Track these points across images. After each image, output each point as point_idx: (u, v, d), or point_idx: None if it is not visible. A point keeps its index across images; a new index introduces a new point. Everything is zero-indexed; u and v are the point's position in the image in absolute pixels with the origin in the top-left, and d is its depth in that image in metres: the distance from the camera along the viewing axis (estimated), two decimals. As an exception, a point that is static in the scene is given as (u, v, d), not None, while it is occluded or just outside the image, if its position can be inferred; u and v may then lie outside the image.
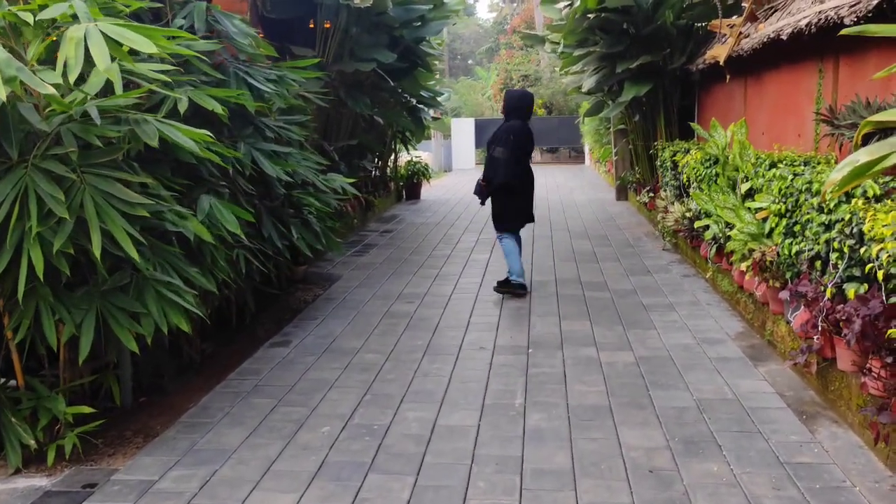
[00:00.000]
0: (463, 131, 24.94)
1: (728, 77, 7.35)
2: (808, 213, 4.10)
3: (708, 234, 6.08)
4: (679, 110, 10.12)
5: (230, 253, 4.75)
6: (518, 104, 6.62)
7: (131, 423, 3.94)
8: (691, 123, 6.49)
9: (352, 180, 6.80)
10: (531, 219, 6.77)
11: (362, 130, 9.79)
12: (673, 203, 8.04)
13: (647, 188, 10.52)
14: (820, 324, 3.80)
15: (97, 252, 2.91)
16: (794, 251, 4.32)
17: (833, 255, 3.77)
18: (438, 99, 13.89)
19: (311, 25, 8.32)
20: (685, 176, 7.36)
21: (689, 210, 7.39)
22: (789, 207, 4.41)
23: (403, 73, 9.10)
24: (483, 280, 7.19)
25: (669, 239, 8.24)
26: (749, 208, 5.06)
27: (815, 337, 3.83)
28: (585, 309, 6.04)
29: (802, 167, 4.75)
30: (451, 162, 24.82)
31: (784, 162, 5.14)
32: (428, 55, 10.21)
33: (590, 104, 12.85)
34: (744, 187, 5.36)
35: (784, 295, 4.02)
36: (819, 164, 4.99)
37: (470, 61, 50.10)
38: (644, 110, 10.79)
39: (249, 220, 4.46)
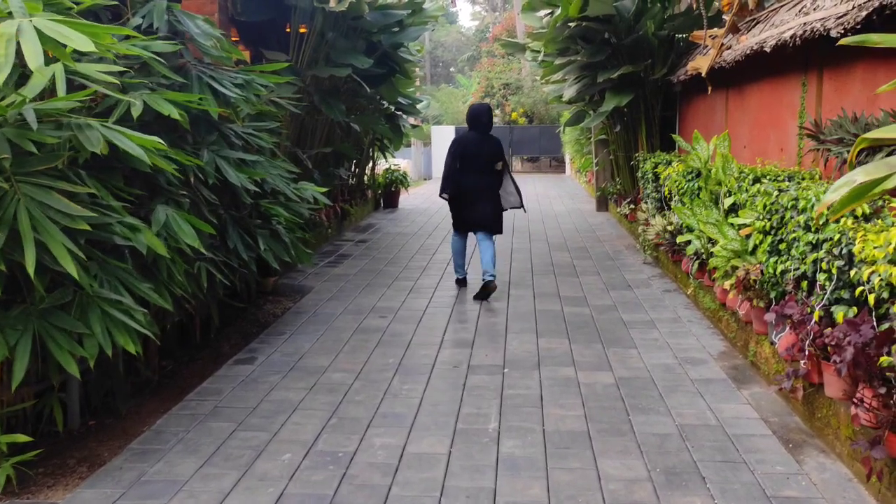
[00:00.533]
0: (443, 139, 24.75)
1: (710, 89, 7.22)
2: (794, 232, 3.94)
3: (690, 250, 5.93)
4: (660, 121, 10.01)
5: (190, 267, 4.50)
6: (468, 117, 7.16)
7: (77, 450, 3.67)
8: (673, 135, 6.36)
9: (324, 190, 6.58)
10: (478, 225, 7.03)
11: (338, 138, 9.56)
12: (654, 216, 7.90)
13: (628, 200, 10.39)
14: (807, 348, 3.63)
15: (30, 268, 2.67)
16: (779, 270, 4.16)
17: (821, 276, 3.61)
18: (417, 106, 13.72)
19: (288, 30, 8.10)
20: (667, 189, 7.22)
21: (671, 223, 7.24)
22: (774, 225, 4.25)
23: (381, 79, 8.90)
24: (459, 293, 6.98)
25: (650, 252, 8.09)
26: (732, 224, 4.90)
27: (802, 361, 3.66)
28: (564, 326, 5.85)
29: (787, 182, 4.60)
30: (431, 170, 24.63)
31: (768, 177, 4.99)
32: (406, 62, 10.01)
33: (570, 114, 12.72)
34: (727, 202, 5.21)
35: (770, 317, 3.85)
36: (804, 179, 4.84)
37: (452, 69, 50.06)
38: (625, 121, 10.67)
39: (210, 232, 4.21)
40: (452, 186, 6.98)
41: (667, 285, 7.17)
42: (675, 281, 7.25)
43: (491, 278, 6.67)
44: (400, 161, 22.69)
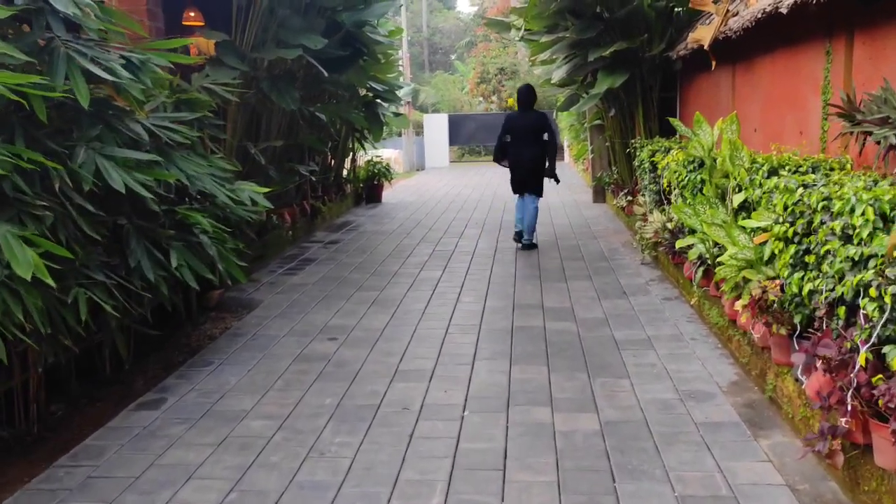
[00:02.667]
0: (436, 127, 23.80)
1: (714, 63, 6.25)
2: (826, 242, 3.00)
3: (692, 254, 4.99)
4: (659, 103, 9.04)
5: (64, 295, 3.60)
6: (518, 97, 8.52)
7: None
8: (671, 119, 5.41)
9: (265, 190, 5.65)
10: (524, 189, 8.42)
11: (300, 129, 8.62)
12: (652, 211, 6.95)
13: (626, 191, 9.44)
14: (849, 400, 2.70)
15: None
16: (805, 290, 3.22)
17: (867, 305, 2.67)
18: (399, 93, 12.77)
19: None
20: (665, 180, 6.27)
21: (671, 220, 6.30)
22: (799, 231, 3.31)
23: (344, 62, 7.95)
24: (428, 305, 6.06)
25: (649, 251, 7.15)
26: (744, 227, 3.96)
27: (843, 419, 2.73)
28: (544, 348, 4.93)
29: (812, 175, 3.65)
30: (424, 160, 23.66)
31: (787, 168, 4.04)
32: (376, 43, 9.04)
33: (564, 97, 11.75)
34: (736, 199, 4.26)
35: (798, 358, 2.90)
36: (833, 170, 3.89)
37: (453, 56, 48.97)
38: (621, 104, 9.70)
39: (66, 256, 3.29)
40: (505, 157, 8.46)
41: (667, 291, 6.23)
42: (676, 286, 6.31)
43: (527, 241, 8.34)
44: (390, 151, 21.77)
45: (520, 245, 8.44)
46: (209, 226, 4.84)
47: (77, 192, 3.61)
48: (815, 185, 3.41)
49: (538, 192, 8.42)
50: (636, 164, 8.21)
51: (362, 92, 11.64)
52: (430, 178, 19.30)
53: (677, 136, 8.32)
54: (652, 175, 7.09)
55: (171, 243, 4.50)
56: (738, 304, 3.73)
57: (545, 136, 8.30)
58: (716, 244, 4.58)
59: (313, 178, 8.40)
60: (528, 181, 8.34)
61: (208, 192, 5.08)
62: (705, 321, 5.24)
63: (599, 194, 12.16)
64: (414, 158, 23.14)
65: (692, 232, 4.91)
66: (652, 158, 6.98)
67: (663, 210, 6.65)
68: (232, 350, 5.07)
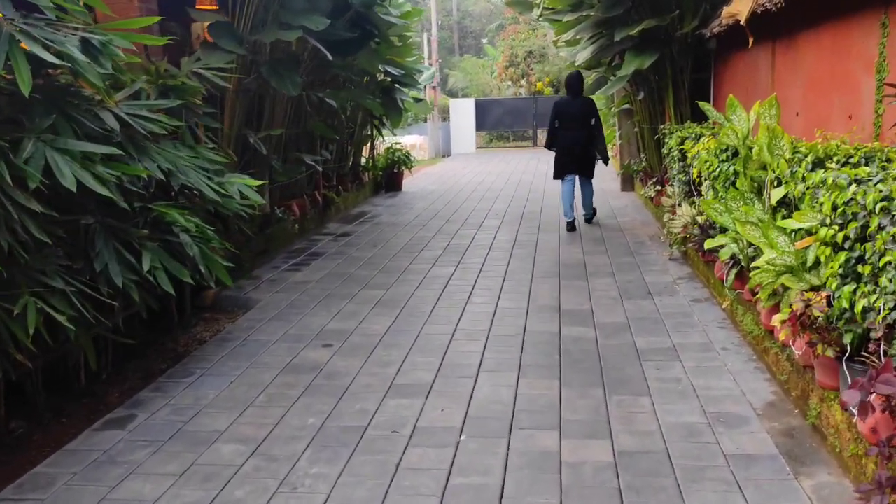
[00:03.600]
0: (463, 112, 23.24)
1: (751, 41, 5.67)
2: (888, 252, 2.47)
3: (724, 254, 4.46)
4: (691, 86, 8.44)
5: (11, 304, 3.22)
6: (565, 84, 8.75)
7: None
8: (701, 104, 4.84)
9: (259, 183, 5.25)
10: (576, 171, 8.76)
11: (308, 116, 8.20)
12: (681, 203, 6.40)
13: (654, 180, 8.87)
14: (916, 450, 2.19)
15: None
16: (859, 306, 2.70)
17: (940, 333, 2.15)
18: (420, 78, 12.29)
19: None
20: (695, 170, 5.72)
21: (701, 214, 5.76)
22: (851, 235, 2.79)
23: (353, 45, 7.49)
24: (436, 306, 5.61)
25: (677, 246, 6.60)
26: (783, 228, 3.43)
27: (908, 472, 2.22)
28: (557, 358, 4.45)
29: (866, 168, 3.11)
30: (450, 146, 23.14)
31: (835, 158, 3.49)
32: (389, 25, 8.56)
33: (591, 80, 11.17)
34: (774, 194, 3.73)
35: (851, 397, 2.39)
36: (890, 161, 3.34)
37: (484, 40, 48.24)
38: (650, 86, 9.10)
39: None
40: (555, 141, 8.75)
41: (696, 292, 5.70)
42: (706, 286, 5.77)
43: (587, 216, 8.85)
44: (415, 138, 21.31)
45: (572, 230, 8.56)
46: (191, 223, 4.44)
47: (22, 190, 3.21)
48: (870, 179, 2.88)
49: (591, 174, 8.85)
50: (665, 151, 7.65)
51: (380, 77, 11.20)
52: (455, 165, 18.80)
53: (710, 121, 7.75)
54: (681, 164, 6.53)
55: (145, 244, 4.11)
56: (777, 319, 3.21)
57: (593, 121, 8.57)
58: (750, 244, 4.05)
59: (319, 168, 7.96)
60: (582, 165, 8.68)
61: (192, 186, 4.69)
62: (738, 328, 4.71)
63: (627, 182, 11.57)
64: (440, 144, 22.64)
65: (723, 230, 4.38)
66: (681, 146, 6.42)
67: (693, 202, 6.11)
68: (218, 357, 4.68)
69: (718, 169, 4.67)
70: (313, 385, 4.17)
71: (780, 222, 3.39)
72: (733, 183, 4.39)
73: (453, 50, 49.44)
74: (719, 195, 4.64)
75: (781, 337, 3.18)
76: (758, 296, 3.73)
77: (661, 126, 8.43)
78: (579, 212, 9.12)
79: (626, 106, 10.82)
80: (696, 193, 6.13)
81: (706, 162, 5.14)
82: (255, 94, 6.87)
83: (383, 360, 4.53)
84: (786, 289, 3.52)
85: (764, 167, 4.03)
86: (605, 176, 14.29)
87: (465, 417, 3.68)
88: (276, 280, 6.61)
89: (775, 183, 3.84)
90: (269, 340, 4.98)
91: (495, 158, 20.11)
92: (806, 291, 3.17)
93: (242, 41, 6.15)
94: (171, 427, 3.69)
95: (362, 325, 5.23)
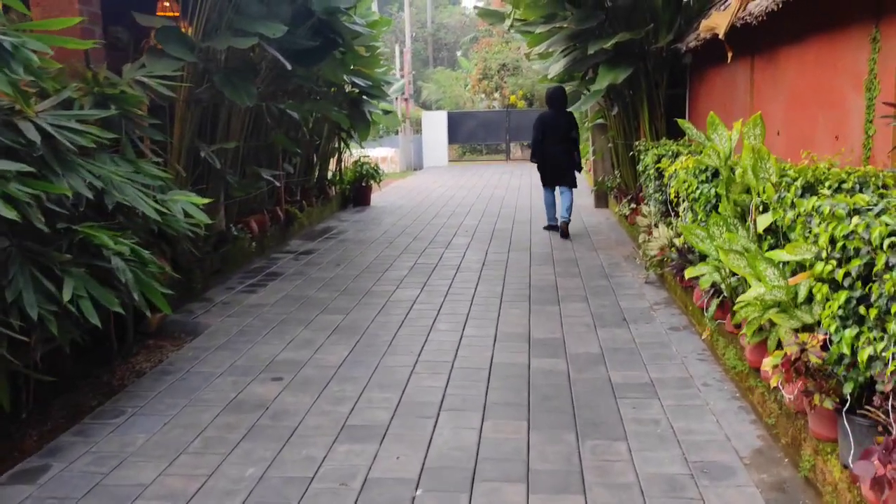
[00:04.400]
0: (435, 125, 22.97)
1: (730, 55, 5.41)
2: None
3: (704, 283, 4.14)
4: (667, 101, 8.19)
5: None
6: (546, 99, 9.20)
7: None
8: (680, 121, 4.54)
9: (205, 201, 4.85)
10: (559, 181, 9.18)
11: (268, 128, 7.81)
12: (657, 224, 6.11)
13: (629, 197, 8.60)
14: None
15: None
16: (863, 355, 2.38)
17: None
18: (390, 89, 11.95)
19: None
20: (673, 190, 5.43)
21: (679, 236, 5.47)
22: (852, 273, 2.47)
23: (316, 54, 7.12)
24: (397, 334, 5.23)
25: (654, 269, 6.30)
26: (772, 260, 3.11)
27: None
28: (526, 395, 4.10)
29: (864, 196, 2.81)
30: (422, 159, 22.82)
31: (827, 184, 3.20)
32: (354, 34, 8.21)
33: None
34: (761, 221, 3.42)
35: (864, 469, 2.06)
36: (886, 187, 3.05)
37: (458, 53, 48.18)
38: (624, 101, 8.85)
39: None
40: (540, 154, 9.12)
41: (674, 319, 5.39)
42: (685, 312, 5.47)
43: (566, 219, 8.86)
44: (386, 150, 20.95)
45: (559, 233, 9.01)
46: (124, 246, 4.03)
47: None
48: (870, 209, 2.57)
49: (574, 183, 9.16)
50: (640, 169, 7.37)
51: (347, 88, 10.84)
52: (426, 178, 18.47)
53: (686, 137, 7.50)
54: (657, 183, 6.25)
55: (68, 269, 3.69)
56: (768, 363, 2.89)
57: (573, 134, 9.03)
58: (734, 273, 3.74)
59: (278, 183, 7.56)
60: (565, 175, 9.06)
61: (129, 204, 4.28)
62: (719, 361, 4.40)
63: (601, 199, 11.31)
64: (411, 157, 22.30)
65: (703, 257, 4.07)
66: (657, 164, 6.13)
67: (670, 223, 5.82)
68: (154, 393, 4.25)
69: (699, 190, 4.37)
70: (257, 426, 3.77)
71: (769, 253, 3.08)
72: (715, 206, 4.09)
73: (428, 62, 49.28)
74: (699, 218, 4.34)
75: (773, 382, 2.86)
76: (742, 331, 3.41)
77: (636, 142, 8.16)
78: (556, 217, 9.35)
79: (600, 121, 10.58)
80: (673, 214, 5.84)
81: (684, 182, 4.84)
82: (209, 104, 6.47)
83: (337, 397, 4.14)
84: (773, 324, 3.21)
85: (748, 190, 3.73)
86: (579, 192, 14.01)
87: (422, 467, 3.31)
88: (228, 303, 6.19)
89: (761, 208, 3.54)
90: (213, 373, 4.56)
91: (468, 172, 19.83)
92: (798, 331, 2.86)
93: (194, 48, 5.75)
94: (88, 481, 3.26)
95: (317, 356, 4.83)
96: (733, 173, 3.92)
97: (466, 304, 5.98)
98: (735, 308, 3.47)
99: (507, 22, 9.43)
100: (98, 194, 4.00)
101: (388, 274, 7.18)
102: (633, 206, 8.31)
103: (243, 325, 5.54)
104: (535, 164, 9.32)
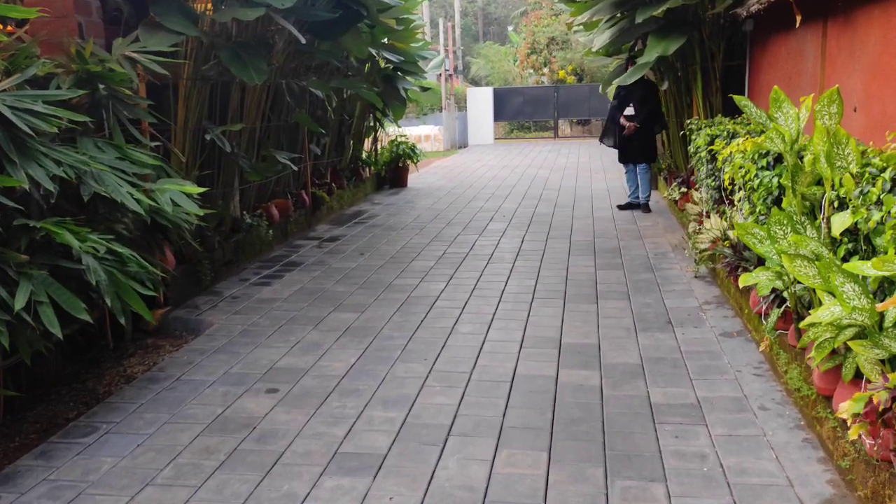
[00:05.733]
0: (480, 102, 22.24)
1: (798, 19, 4.67)
2: None
3: (763, 289, 3.50)
4: (723, 74, 7.42)
5: None
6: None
7: None
8: (736, 97, 3.83)
9: (199, 190, 4.39)
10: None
11: (290, 107, 7.33)
12: (709, 213, 5.43)
13: (679, 180, 7.87)
14: None
15: None
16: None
17: None
18: (427, 65, 11.38)
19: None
20: (727, 175, 4.75)
21: (734, 228, 4.79)
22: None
23: (337, 27, 6.59)
24: (413, 336, 4.72)
25: (704, 262, 5.63)
26: (851, 273, 2.47)
27: None
28: (550, 417, 3.54)
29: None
30: (467, 137, 22.17)
31: (926, 174, 2.52)
32: (384, 6, 7.64)
33: (612, 68, 10.19)
34: (837, 221, 2.77)
35: None
36: None
37: (509, 27, 47.31)
38: (676, 75, 8.09)
39: None
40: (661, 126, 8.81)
41: (727, 322, 4.74)
42: (739, 314, 4.82)
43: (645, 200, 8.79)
44: (430, 128, 20.38)
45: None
46: (99, 243, 3.59)
47: None
48: None
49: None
50: (691, 150, 6.66)
51: (382, 64, 10.30)
52: (469, 157, 17.85)
53: (743, 116, 6.76)
54: (710, 167, 5.56)
55: (26, 272, 3.27)
56: (846, 410, 2.27)
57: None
58: (797, 280, 3.10)
59: (293, 167, 7.09)
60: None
61: (107, 195, 3.85)
62: (780, 378, 3.76)
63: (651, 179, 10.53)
64: (456, 136, 21.66)
65: (761, 262, 3.43)
66: (710, 147, 5.44)
67: (724, 213, 5.14)
68: (136, 405, 3.84)
69: (757, 179, 3.69)
70: (239, 451, 3.31)
71: (847, 265, 2.45)
72: (777, 200, 3.44)
73: (477, 37, 48.36)
74: (756, 211, 3.68)
75: (853, 434, 2.25)
76: (811, 354, 2.79)
77: (688, 121, 7.43)
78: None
79: (650, 96, 9.78)
80: (727, 202, 5.16)
81: (741, 168, 4.17)
82: (218, 83, 6.01)
83: (334, 415, 3.66)
84: (848, 350, 2.58)
85: (819, 182, 3.07)
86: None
87: (418, 511, 2.80)
88: (238, 297, 5.76)
89: (836, 205, 2.88)
90: (204, 381, 4.12)
91: (513, 151, 19.13)
92: (885, 364, 2.23)
93: (197, 20, 5.28)
94: (37, 517, 2.85)
95: (321, 363, 4.36)
96: (801, 160, 3.26)
97: (494, 302, 5.43)
98: (801, 325, 2.84)
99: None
100: (67, 182, 3.57)
101: (413, 264, 6.66)
102: (683, 190, 7.60)
103: (248, 324, 5.10)
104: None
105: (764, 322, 3.85)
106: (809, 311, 3.45)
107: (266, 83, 6.64)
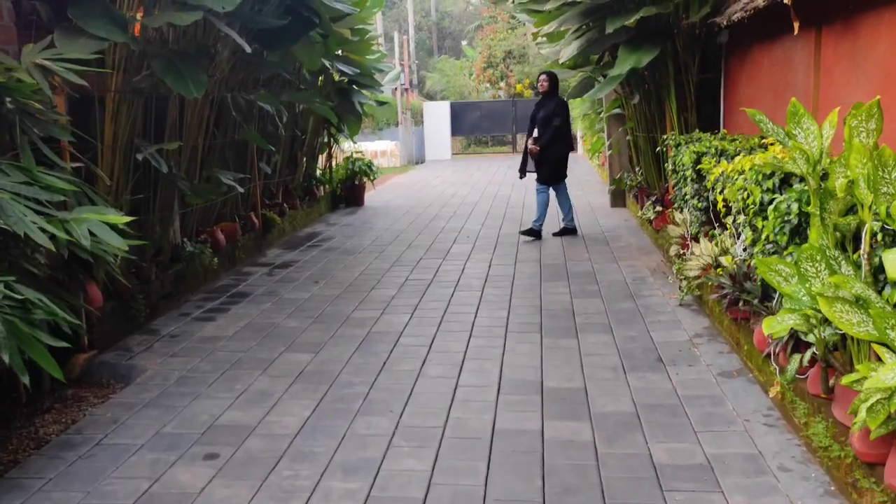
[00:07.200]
0: (437, 116, 21.84)
1: (797, 25, 4.28)
2: None
3: (779, 331, 3.03)
4: (697, 87, 7.06)
5: None
6: (558, 82, 8.29)
7: None
8: (750, 111, 3.36)
9: (124, 220, 3.77)
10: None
11: (237, 123, 6.72)
12: (696, 237, 5.01)
13: (653, 199, 7.48)
14: None
15: None
16: None
17: None
18: (383, 78, 10.85)
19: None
20: (720, 197, 4.30)
21: (726, 253, 4.37)
22: None
23: (286, 35, 6.03)
24: (375, 382, 4.15)
25: (689, 290, 5.20)
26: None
27: None
28: (540, 485, 3.01)
29: None
30: (424, 152, 21.71)
31: None
32: (337, 14, 7.10)
33: (576, 81, 9.81)
34: (893, 261, 2.31)
35: None
36: None
37: (463, 42, 47.16)
38: (646, 88, 7.73)
39: None
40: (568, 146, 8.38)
41: (723, 359, 4.29)
42: (735, 349, 4.38)
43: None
44: (385, 144, 19.85)
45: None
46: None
47: None
48: None
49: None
50: (669, 167, 6.26)
51: (336, 77, 9.75)
52: (427, 173, 17.37)
53: (721, 129, 6.41)
54: (696, 187, 5.13)
55: None
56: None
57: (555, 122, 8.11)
58: (829, 320, 2.65)
59: (239, 189, 6.48)
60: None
61: (8, 228, 3.22)
62: (795, 428, 3.31)
63: (618, 197, 10.20)
64: (413, 151, 21.18)
65: (766, 293, 2.96)
66: (698, 165, 5.02)
67: (714, 236, 4.71)
68: (42, 482, 3.19)
69: (772, 204, 3.22)
70: (165, 544, 2.71)
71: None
72: (796, 229, 2.99)
73: (432, 51, 48.10)
74: (763, 239, 3.23)
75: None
76: (858, 420, 2.32)
77: (664, 136, 7.04)
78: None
79: (617, 110, 9.45)
80: (717, 225, 4.73)
81: (742, 190, 3.73)
82: (153, 96, 5.39)
83: (285, 487, 3.07)
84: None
85: (852, 209, 2.63)
86: (592, 189, 12.93)
87: None
88: (177, 336, 5.12)
89: (882, 238, 2.44)
90: (130, 446, 3.49)
91: (471, 166, 18.71)
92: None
93: (125, 25, 4.66)
94: None
95: (270, 417, 3.76)
96: (823, 182, 2.82)
97: (464, 338, 4.90)
98: (845, 382, 2.37)
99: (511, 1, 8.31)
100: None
101: (373, 293, 6.10)
102: (658, 209, 7.20)
103: (187, 369, 4.47)
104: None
105: (774, 364, 3.40)
106: (833, 354, 3.00)
107: (209, 97, 6.03)
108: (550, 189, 8.28)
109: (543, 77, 8.19)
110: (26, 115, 3.80)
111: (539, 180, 8.31)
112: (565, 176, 8.40)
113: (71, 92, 4.39)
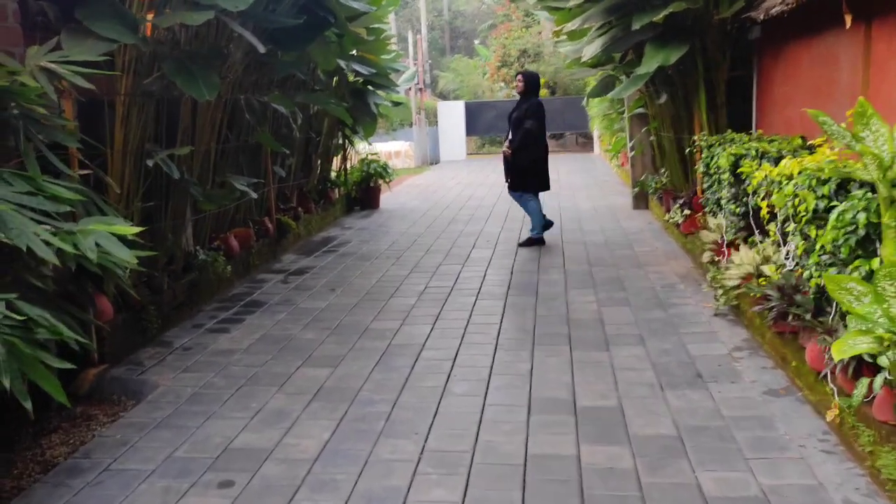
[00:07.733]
0: (451, 116, 21.57)
1: (849, 19, 4.01)
2: None
3: (848, 351, 2.77)
4: (728, 86, 6.79)
5: None
6: (538, 82, 8.00)
7: None
8: (811, 111, 3.10)
9: (133, 230, 3.57)
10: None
11: (251, 125, 6.52)
12: (735, 244, 4.74)
13: (682, 201, 7.20)
14: None
15: None
16: None
17: None
18: (399, 78, 10.63)
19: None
20: (763, 203, 4.04)
21: (768, 262, 4.10)
22: None
23: (300, 35, 5.82)
24: (397, 402, 3.93)
25: (727, 300, 4.93)
26: None
27: None
28: (580, 520, 2.78)
29: None
30: (438, 153, 21.47)
31: None
32: (353, 13, 6.88)
33: (595, 80, 9.56)
34: None
35: None
36: None
37: (476, 41, 46.90)
38: (674, 87, 7.45)
39: None
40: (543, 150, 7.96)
41: (768, 376, 4.03)
42: (781, 365, 4.11)
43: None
44: (400, 144, 19.62)
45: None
46: (-6, 307, 2.76)
47: None
48: None
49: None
50: (700, 169, 5.99)
51: (351, 77, 9.53)
52: (442, 174, 17.12)
53: (755, 130, 6.14)
54: (735, 189, 4.87)
55: None
56: None
57: (526, 125, 7.81)
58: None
59: (253, 194, 6.27)
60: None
61: (9, 241, 3.02)
62: (860, 459, 3.04)
63: (641, 199, 9.92)
64: (427, 151, 20.93)
65: (819, 308, 2.70)
66: (737, 168, 4.75)
67: (754, 243, 4.45)
68: (47, 513, 2.99)
69: (831, 212, 2.96)
70: (176, 587, 2.49)
71: None
72: (862, 241, 2.73)
73: (444, 51, 47.88)
74: (816, 248, 2.97)
75: None
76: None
77: (694, 137, 6.77)
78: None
79: (640, 110, 9.17)
80: (759, 232, 4.47)
81: (792, 196, 3.47)
82: (164, 99, 5.19)
83: (304, 521, 2.85)
84: None
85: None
86: (612, 190, 12.65)
87: None
88: (190, 349, 4.92)
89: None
90: (140, 472, 3.28)
91: (487, 167, 18.44)
92: None
93: (136, 26, 4.46)
94: None
95: (287, 439, 3.54)
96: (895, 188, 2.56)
97: (489, 351, 4.66)
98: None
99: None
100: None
101: (392, 302, 5.88)
102: (686, 212, 6.93)
103: (200, 385, 4.26)
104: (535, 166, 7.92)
105: (831, 385, 3.14)
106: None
107: (221, 99, 5.82)
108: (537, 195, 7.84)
109: (519, 77, 7.90)
110: (31, 121, 3.60)
111: (511, 187, 7.91)
112: (547, 186, 7.93)
113: (79, 96, 4.19)
